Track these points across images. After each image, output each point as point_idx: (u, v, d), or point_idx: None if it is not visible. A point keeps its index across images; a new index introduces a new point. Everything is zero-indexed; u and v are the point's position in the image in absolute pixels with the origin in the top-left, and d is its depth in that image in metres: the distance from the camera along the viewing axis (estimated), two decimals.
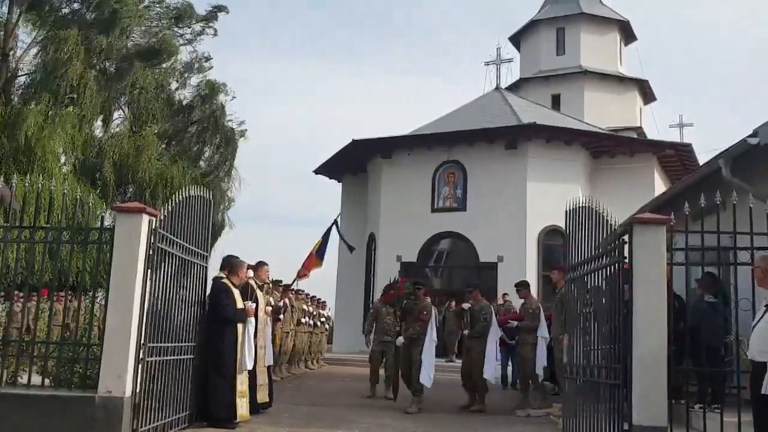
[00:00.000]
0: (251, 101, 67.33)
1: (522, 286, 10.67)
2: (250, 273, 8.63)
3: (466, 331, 10.17)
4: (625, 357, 6.08)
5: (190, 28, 26.13)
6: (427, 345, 9.45)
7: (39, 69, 21.83)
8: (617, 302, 6.26)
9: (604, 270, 6.60)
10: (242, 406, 7.86)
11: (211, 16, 26.29)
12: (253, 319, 8.11)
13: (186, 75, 26.13)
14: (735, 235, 6.16)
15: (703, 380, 6.85)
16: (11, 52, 23.44)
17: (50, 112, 20.15)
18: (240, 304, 7.97)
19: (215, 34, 26.39)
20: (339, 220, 11.59)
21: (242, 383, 7.90)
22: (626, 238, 6.30)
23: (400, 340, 9.79)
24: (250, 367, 8.00)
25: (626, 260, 6.25)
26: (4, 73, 22.98)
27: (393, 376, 10.74)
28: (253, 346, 8.05)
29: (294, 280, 11.56)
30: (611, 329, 6.35)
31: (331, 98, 73.16)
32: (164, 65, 25.35)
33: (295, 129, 71.37)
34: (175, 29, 25.99)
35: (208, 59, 26.47)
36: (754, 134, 7.73)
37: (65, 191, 8.19)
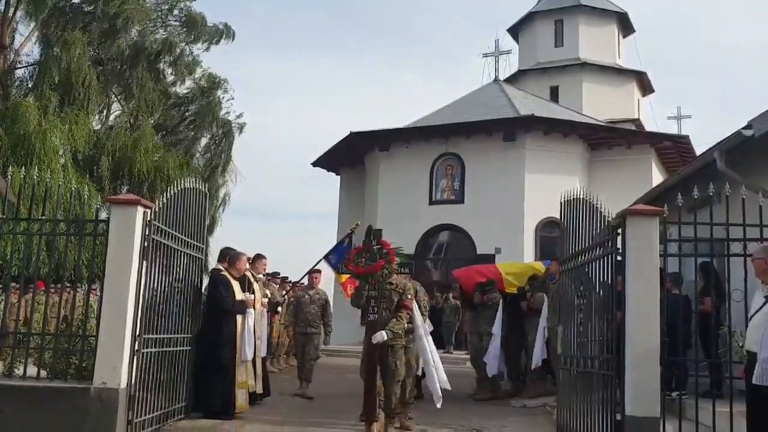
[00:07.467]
0: (249, 94, 67.27)
1: None
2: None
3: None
4: (618, 348, 6.10)
5: (198, 42, 26.08)
6: (422, 339, 7.47)
7: (45, 68, 21.71)
8: (610, 293, 6.29)
9: (597, 261, 6.62)
10: (241, 397, 7.90)
11: (217, 36, 26.16)
12: (252, 311, 8.15)
13: (183, 71, 26.07)
14: (728, 226, 6.19)
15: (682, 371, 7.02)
16: (9, 44, 23.45)
17: (51, 108, 20.15)
18: (239, 296, 8.01)
19: (207, 49, 26.41)
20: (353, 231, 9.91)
21: (242, 374, 7.94)
22: (620, 229, 6.32)
23: (382, 335, 6.69)
24: (250, 357, 8.05)
25: (620, 251, 6.27)
26: (2, 66, 22.97)
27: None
28: (252, 337, 8.09)
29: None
30: (604, 320, 6.38)
31: (330, 91, 73.08)
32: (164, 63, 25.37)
33: (293, 122, 71.32)
34: (182, 34, 25.95)
35: (197, 62, 26.44)
36: (749, 126, 7.73)
37: (61, 183, 8.21)
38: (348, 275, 8.53)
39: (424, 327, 7.46)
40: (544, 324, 9.87)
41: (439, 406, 7.37)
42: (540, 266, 11.33)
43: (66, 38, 21.62)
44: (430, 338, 7.65)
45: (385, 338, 6.69)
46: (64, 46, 21.44)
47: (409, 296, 7.04)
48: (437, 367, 7.45)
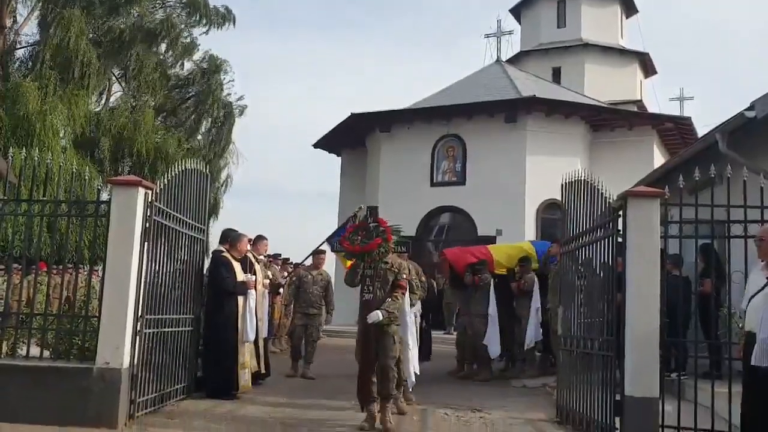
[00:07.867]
0: (250, 76, 66.96)
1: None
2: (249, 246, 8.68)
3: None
4: (618, 329, 6.13)
5: (197, 27, 25.86)
6: (407, 325, 7.19)
7: (44, 48, 21.58)
8: (611, 275, 6.30)
9: (598, 243, 6.63)
10: (244, 378, 7.95)
11: (218, 20, 25.90)
12: (253, 292, 8.18)
13: (181, 52, 25.90)
14: (729, 208, 6.19)
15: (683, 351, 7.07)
16: (9, 25, 23.31)
17: (51, 88, 20.06)
18: (241, 277, 8.04)
19: (206, 32, 26.12)
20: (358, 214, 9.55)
21: (244, 355, 7.98)
22: (621, 211, 6.32)
23: (377, 314, 6.41)
24: (252, 338, 8.08)
25: (620, 233, 6.28)
26: (2, 47, 22.86)
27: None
28: (254, 318, 8.13)
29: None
30: (605, 302, 6.40)
31: (331, 73, 72.75)
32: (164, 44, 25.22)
33: (294, 104, 71.07)
34: (182, 16, 25.72)
35: (194, 45, 26.21)
36: (751, 107, 7.72)
37: (61, 164, 8.20)
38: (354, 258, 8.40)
39: (410, 316, 7.28)
40: (537, 305, 9.92)
41: (411, 389, 7.57)
42: (529, 247, 11.30)
43: (64, 15, 21.48)
44: (414, 325, 7.55)
45: (380, 318, 6.42)
46: (61, 23, 21.30)
47: (404, 276, 6.76)
48: (413, 353, 7.39)
